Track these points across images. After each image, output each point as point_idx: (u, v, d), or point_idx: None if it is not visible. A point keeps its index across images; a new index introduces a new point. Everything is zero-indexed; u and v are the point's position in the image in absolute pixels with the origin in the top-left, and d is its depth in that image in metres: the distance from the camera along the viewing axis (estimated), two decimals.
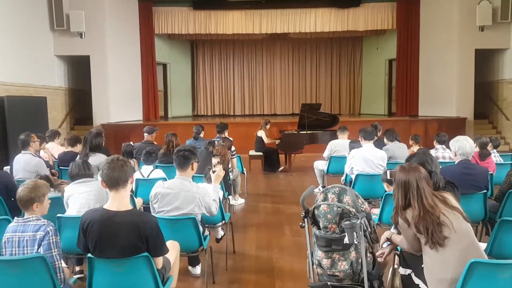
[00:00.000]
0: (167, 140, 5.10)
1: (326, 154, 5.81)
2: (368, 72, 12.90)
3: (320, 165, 5.96)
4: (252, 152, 7.69)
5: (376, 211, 3.44)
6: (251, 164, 7.55)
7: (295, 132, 7.90)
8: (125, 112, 10.20)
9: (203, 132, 6.16)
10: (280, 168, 7.70)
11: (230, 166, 5.07)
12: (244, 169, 5.98)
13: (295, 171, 7.62)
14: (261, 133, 7.58)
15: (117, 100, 10.00)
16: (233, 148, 5.24)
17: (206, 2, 10.96)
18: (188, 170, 2.83)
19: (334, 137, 6.36)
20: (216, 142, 5.07)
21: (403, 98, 11.10)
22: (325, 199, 2.38)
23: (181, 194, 2.75)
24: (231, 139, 5.41)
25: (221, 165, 3.11)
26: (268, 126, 7.74)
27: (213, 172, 3.08)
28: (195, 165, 2.88)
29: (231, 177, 5.11)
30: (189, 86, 13.26)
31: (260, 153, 7.56)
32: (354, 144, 4.76)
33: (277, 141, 7.68)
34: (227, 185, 4.71)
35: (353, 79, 13.21)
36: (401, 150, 4.93)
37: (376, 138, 4.64)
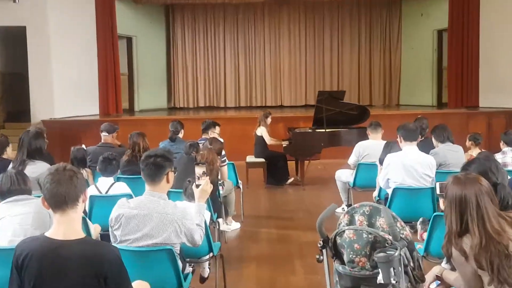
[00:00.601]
0: (132, 142, 5.12)
1: (352, 160, 5.83)
2: (410, 47, 12.95)
3: (344, 176, 5.98)
4: (250, 158, 7.73)
5: (423, 236, 3.45)
6: (250, 174, 7.59)
7: (310, 131, 7.93)
8: (75, 105, 10.22)
9: (182, 131, 6.18)
10: (289, 180, 7.74)
11: (220, 177, 5.08)
12: (240, 181, 6.00)
13: (309, 183, 7.65)
14: (261, 131, 7.62)
15: (64, 88, 10.02)
16: (224, 153, 5.26)
17: None
18: (162, 184, 2.84)
19: (363, 137, 6.38)
20: (201, 144, 5.09)
21: (458, 84, 11.14)
22: (351, 222, 2.39)
23: (153, 216, 2.75)
24: (222, 140, 5.43)
25: (208, 177, 3.12)
26: (269, 120, 7.77)
27: (197, 186, 3.09)
28: (172, 176, 2.88)
29: (221, 193, 5.13)
30: (164, 67, 13.31)
31: (262, 160, 7.59)
32: (391, 146, 4.78)
33: (285, 143, 7.72)
34: (216, 204, 4.72)
35: (389, 58, 13.26)
36: (455, 155, 4.95)
37: (421, 138, 4.65)
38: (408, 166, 4.34)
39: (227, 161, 5.44)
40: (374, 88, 13.32)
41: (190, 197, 3.62)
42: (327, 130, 7.48)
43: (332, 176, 6.26)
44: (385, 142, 5.49)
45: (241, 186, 5.97)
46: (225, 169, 5.26)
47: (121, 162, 4.81)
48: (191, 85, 13.21)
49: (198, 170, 3.11)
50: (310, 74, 13.31)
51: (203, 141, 5.37)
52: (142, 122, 9.69)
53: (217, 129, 6.41)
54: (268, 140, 7.57)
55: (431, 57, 12.27)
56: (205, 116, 10.26)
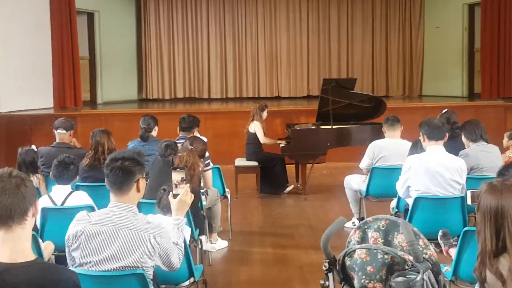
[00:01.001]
0: (94, 142, 5.11)
1: (365, 163, 5.86)
2: (435, 26, 13.02)
3: (354, 183, 6.01)
4: (240, 161, 7.75)
5: (449, 253, 3.46)
6: (239, 181, 7.61)
7: (313, 128, 7.96)
8: (23, 96, 10.17)
9: (156, 128, 6.17)
10: (288, 189, 7.77)
11: (202, 185, 5.08)
12: (227, 190, 6.01)
13: (312, 192, 7.69)
14: (254, 127, 7.64)
15: (9, 76, 9.96)
16: (207, 155, 5.26)
17: None
18: (131, 193, 2.83)
19: (378, 135, 6.41)
20: (179, 145, 5.09)
21: (494, 69, 11.19)
22: (364, 240, 2.40)
23: (120, 233, 2.74)
24: (205, 139, 5.43)
25: (188, 185, 3.11)
26: (265, 114, 7.79)
27: (174, 196, 3.08)
28: (143, 183, 2.88)
29: (204, 204, 5.13)
30: (133, 50, 13.29)
31: (254, 163, 7.61)
32: (420, 146, 4.74)
33: (283, 142, 7.75)
34: (198, 218, 4.72)
35: (409, 39, 13.33)
36: (490, 156, 4.96)
37: (448, 136, 4.67)
38: (433, 171, 4.36)
39: (211, 165, 5.43)
40: (391, 76, 13.37)
41: (166, 209, 3.61)
42: (334, 126, 7.51)
43: (341, 183, 6.27)
44: (407, 142, 5.52)
45: (228, 196, 5.97)
46: (209, 174, 5.25)
47: (80, 166, 4.79)
48: (167, 72, 13.18)
49: (176, 176, 3.10)
50: (313, 59, 13.34)
51: (182, 141, 5.36)
52: (107, 117, 9.66)
53: (198, 127, 6.41)
54: (262, 138, 7.58)
55: (460, 38, 12.32)
56: (184, 110, 10.23)
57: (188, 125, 6.09)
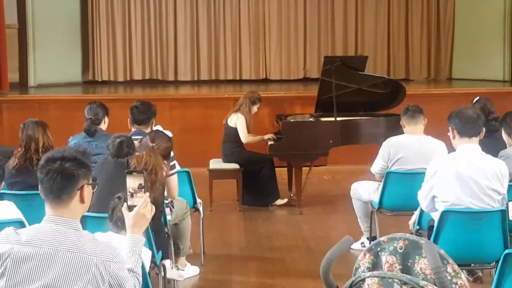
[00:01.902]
0: (24, 137, 5.08)
1: (378, 167, 5.87)
2: None
3: (364, 192, 6.03)
4: (216, 164, 7.76)
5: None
6: (215, 189, 7.61)
7: (310, 120, 7.97)
8: None
9: (106, 119, 6.13)
10: (280, 201, 7.79)
11: (167, 194, 5.06)
12: (199, 201, 5.99)
13: (310, 204, 7.72)
14: (236, 120, 7.65)
15: None
16: (172, 155, 5.23)
17: None
18: (73, 204, 2.81)
19: (396, 129, 6.43)
20: (136, 141, 5.06)
21: None
22: (376, 265, 2.41)
23: (58, 257, 2.72)
24: (170, 134, 5.40)
25: (148, 193, 3.10)
26: (255, 109, 7.79)
27: (130, 208, 3.07)
28: (88, 192, 2.85)
29: (169, 219, 5.11)
30: (77, 19, 13.17)
31: (234, 165, 7.62)
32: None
33: (271, 138, 7.77)
34: (161, 237, 4.70)
35: (435, 10, 13.36)
36: None
37: (483, 132, 4.68)
38: (465, 177, 4.37)
39: (177, 167, 5.40)
40: (412, 55, 13.40)
41: (119, 224, 3.59)
42: (338, 118, 7.53)
43: (346, 192, 6.30)
44: (432, 138, 5.54)
45: (200, 209, 5.95)
46: (174, 181, 5.22)
47: (6, 168, 4.74)
48: (120, 47, 13.09)
49: (132, 182, 3.08)
50: (311, 32, 13.30)
51: (138, 136, 5.33)
52: (41, 105, 9.60)
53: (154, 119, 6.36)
54: (244, 137, 7.58)
55: (501, 8, 12.39)
56: (143, 95, 10.22)
57: (143, 116, 5.94)
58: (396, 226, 5.45)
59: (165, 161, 4.83)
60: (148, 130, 5.71)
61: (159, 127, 5.91)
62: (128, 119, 5.96)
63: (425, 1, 13.34)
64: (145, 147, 4.78)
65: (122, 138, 4.88)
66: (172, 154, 5.18)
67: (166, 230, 4.95)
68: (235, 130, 7.60)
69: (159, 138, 4.99)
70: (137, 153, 4.66)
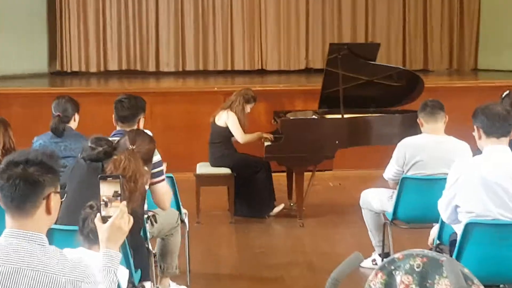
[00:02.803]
0: None
1: (391, 172, 5.86)
2: None
3: (376, 201, 6.03)
4: (204, 168, 7.77)
5: None
6: (203, 197, 7.62)
7: (314, 117, 7.97)
8: None
9: (77, 116, 6.10)
10: (276, 209, 7.80)
11: (146, 206, 5.03)
12: (184, 211, 5.96)
13: (313, 215, 7.73)
14: (226, 119, 7.65)
15: None
16: (156, 159, 5.20)
17: None
18: (38, 215, 2.79)
19: (412, 128, 6.44)
20: (114, 143, 5.02)
21: None
22: (390, 286, 2.42)
23: (21, 276, 2.70)
24: (150, 133, 5.39)
25: (124, 202, 3.09)
26: (249, 108, 7.77)
27: (103, 219, 3.06)
28: (56, 201, 2.84)
29: (150, 232, 5.11)
30: (43, 2, 13.11)
31: (225, 170, 7.62)
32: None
33: (268, 139, 7.78)
34: (141, 254, 4.69)
35: None
36: None
37: None
38: (493, 183, 4.36)
39: (164, 173, 5.34)
40: (432, 42, 13.41)
41: (91, 238, 3.58)
42: (345, 116, 7.55)
43: (355, 201, 6.29)
44: (455, 139, 5.53)
45: (186, 220, 5.91)
46: (163, 188, 5.19)
47: None
48: (93, 33, 13.07)
49: (107, 189, 3.08)
50: (315, 17, 13.31)
51: (117, 136, 5.30)
52: (2, 99, 9.55)
53: (143, 115, 6.25)
54: (241, 136, 7.60)
55: None
56: (120, 89, 10.19)
57: (128, 112, 5.82)
58: (412, 240, 5.46)
59: (146, 165, 4.80)
60: (131, 129, 5.60)
61: (141, 126, 5.80)
62: (113, 116, 5.86)
63: None
64: (123, 149, 4.74)
65: (96, 140, 4.86)
66: (159, 157, 5.15)
67: (147, 246, 4.91)
68: (224, 130, 7.60)
69: (140, 139, 4.94)
70: (114, 157, 4.62)
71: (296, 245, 6.89)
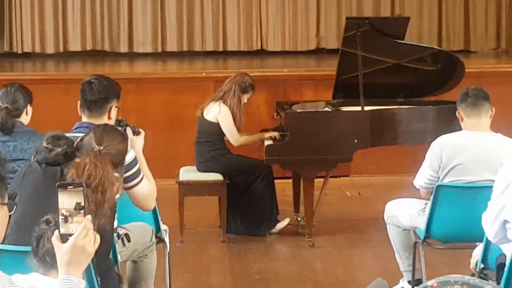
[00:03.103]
0: None
1: (424, 178, 5.85)
2: None
3: (404, 215, 6.01)
4: (189, 173, 7.78)
5: None
6: (188, 210, 7.64)
7: (327, 110, 7.97)
8: None
9: (29, 108, 6.08)
10: (280, 225, 7.81)
11: (116, 222, 5.01)
12: (164, 227, 5.95)
13: (326, 232, 7.74)
14: (217, 114, 7.66)
15: None
16: (129, 158, 5.18)
17: None
18: None
19: (450, 124, 6.47)
20: (76, 142, 5.01)
21: None
22: None
23: None
24: (139, 141, 5.39)
25: (89, 216, 3.09)
26: (246, 98, 7.75)
27: (63, 237, 3.06)
28: (2, 214, 2.85)
29: (120, 252, 5.11)
30: None
31: (215, 175, 7.63)
32: None
33: (270, 137, 7.80)
34: (109, 281, 4.67)
35: None
36: None
37: None
38: None
39: (140, 172, 5.32)
40: (474, 17, 13.45)
41: (47, 261, 3.58)
42: (366, 108, 7.56)
43: (378, 214, 6.32)
44: (503, 137, 5.53)
45: (166, 239, 5.92)
46: (142, 191, 5.16)
47: None
48: (51, 7, 13.09)
49: (67, 200, 3.08)
50: None
51: (80, 131, 5.27)
52: None
53: (117, 102, 6.14)
54: (234, 137, 7.61)
55: None
56: (84, 73, 10.16)
57: (100, 96, 5.71)
58: (450, 264, 5.46)
59: (117, 172, 4.78)
60: (99, 124, 5.49)
61: (111, 120, 5.73)
62: (78, 102, 5.72)
63: None
64: (88, 150, 4.72)
65: (52, 137, 4.84)
66: (132, 154, 5.13)
67: (116, 269, 4.91)
68: (214, 126, 7.60)
69: (109, 137, 4.92)
70: (77, 160, 4.61)
71: (305, 271, 6.87)
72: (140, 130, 5.35)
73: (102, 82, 5.63)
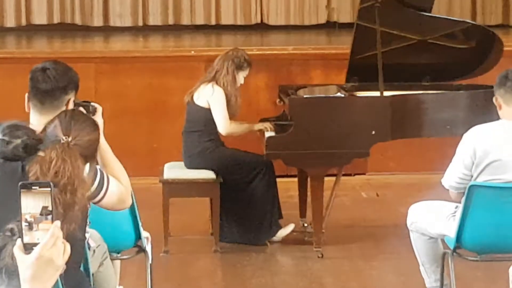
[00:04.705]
0: None
1: (454, 177, 5.85)
2: None
3: (431, 220, 6.04)
4: (175, 170, 7.80)
5: None
6: (174, 214, 7.64)
7: (339, 95, 7.97)
8: None
9: None
10: (283, 232, 7.81)
11: (88, 228, 5.03)
12: (146, 234, 5.96)
13: (337, 241, 7.75)
14: (208, 96, 7.66)
15: None
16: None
17: None
18: None
19: (485, 112, 6.47)
20: (39, 132, 5.02)
21: None
22: None
23: None
24: (99, 120, 5.39)
25: (58, 222, 3.09)
26: (242, 77, 7.74)
27: (26, 247, 3.05)
28: None
29: (91, 264, 5.12)
30: None
31: (207, 174, 7.64)
32: None
33: (269, 129, 7.79)
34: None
35: None
36: None
37: None
38: None
39: (104, 179, 5.31)
40: None
41: (9, 276, 3.59)
42: (386, 93, 7.57)
43: (399, 220, 6.34)
44: None
45: (148, 248, 5.94)
46: (110, 199, 5.20)
47: None
48: None
49: (32, 203, 3.07)
50: None
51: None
52: None
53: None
54: (224, 125, 7.59)
55: None
56: (50, 51, 10.20)
57: (56, 85, 5.78)
58: (484, 279, 5.46)
59: (90, 167, 4.79)
60: (66, 110, 5.47)
61: (76, 104, 5.74)
62: (26, 95, 5.71)
63: None
64: (54, 142, 4.73)
65: (10, 127, 4.84)
66: (104, 140, 5.12)
67: (90, 286, 4.93)
68: (207, 113, 7.61)
69: (78, 125, 4.94)
70: (41, 154, 4.61)
71: (312, 286, 6.89)
72: (95, 105, 5.12)
73: (59, 69, 5.51)
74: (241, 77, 7.71)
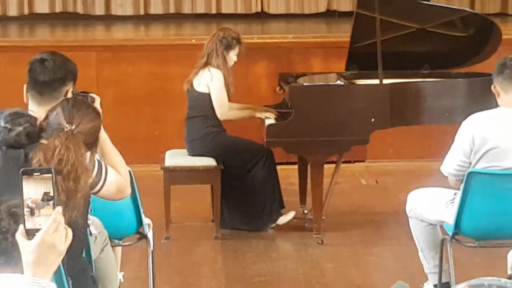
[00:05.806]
0: None
1: (453, 164, 5.85)
2: None
3: (430, 207, 6.04)
4: (176, 158, 7.80)
5: None
6: (175, 201, 7.66)
7: (339, 83, 7.96)
8: None
9: None
10: (284, 219, 7.81)
11: (90, 219, 5.03)
12: (147, 221, 5.95)
13: (337, 228, 7.76)
14: (208, 81, 7.64)
15: None
16: (104, 136, 5.18)
17: None
18: None
19: (484, 100, 6.46)
20: (41, 120, 5.01)
21: None
22: None
23: None
24: (99, 108, 5.38)
25: (59, 208, 3.08)
26: (233, 56, 7.71)
27: (28, 233, 3.05)
28: None
29: (93, 251, 5.13)
30: None
31: (208, 161, 7.64)
32: None
33: (271, 115, 7.80)
34: (84, 283, 4.70)
35: None
36: None
37: None
38: None
39: (102, 169, 5.29)
40: None
41: (9, 258, 3.59)
42: (385, 81, 7.57)
43: (399, 207, 6.33)
44: None
45: (150, 235, 5.94)
46: (109, 189, 5.18)
47: None
48: None
49: (34, 189, 3.07)
50: None
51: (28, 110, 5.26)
52: None
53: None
54: (222, 105, 7.58)
55: None
56: (52, 39, 10.18)
57: (55, 76, 5.75)
58: (483, 265, 5.46)
59: (91, 154, 4.78)
60: (67, 98, 5.44)
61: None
62: (24, 86, 5.67)
63: None
64: (57, 130, 4.71)
65: (10, 113, 4.82)
66: (104, 133, 5.10)
67: (91, 273, 4.93)
68: (208, 98, 7.61)
69: (81, 112, 4.92)
70: (43, 141, 4.60)
71: (312, 273, 6.89)
72: (94, 95, 5.11)
73: (57, 60, 5.48)
74: (232, 55, 7.68)
